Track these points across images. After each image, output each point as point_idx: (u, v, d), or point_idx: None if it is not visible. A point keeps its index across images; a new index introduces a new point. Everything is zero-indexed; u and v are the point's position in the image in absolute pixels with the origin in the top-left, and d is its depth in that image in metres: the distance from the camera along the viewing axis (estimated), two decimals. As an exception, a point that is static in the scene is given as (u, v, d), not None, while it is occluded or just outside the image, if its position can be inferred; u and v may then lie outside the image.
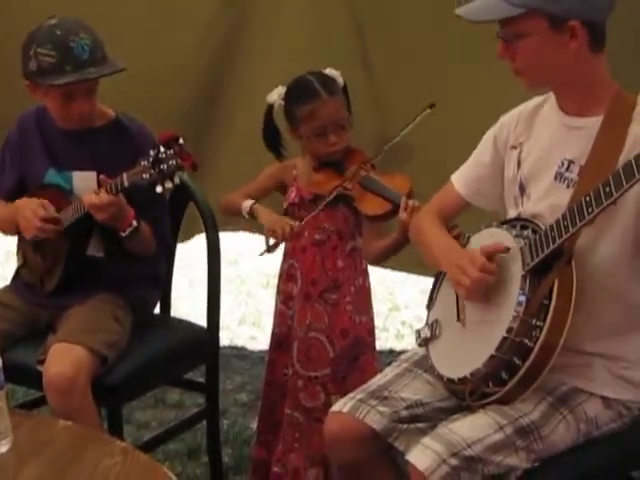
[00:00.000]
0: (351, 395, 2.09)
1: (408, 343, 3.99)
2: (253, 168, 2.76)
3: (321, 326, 2.62)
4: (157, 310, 2.88)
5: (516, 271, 1.92)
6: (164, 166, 2.29)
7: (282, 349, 2.69)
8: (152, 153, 2.30)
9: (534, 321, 1.86)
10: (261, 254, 2.55)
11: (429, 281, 2.24)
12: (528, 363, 1.86)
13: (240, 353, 4.06)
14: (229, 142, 3.40)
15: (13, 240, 2.77)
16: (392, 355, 3.65)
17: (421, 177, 2.55)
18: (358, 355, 2.64)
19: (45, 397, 2.40)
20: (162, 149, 2.29)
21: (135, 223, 2.48)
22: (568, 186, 1.97)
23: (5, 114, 2.86)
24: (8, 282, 2.78)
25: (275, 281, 2.77)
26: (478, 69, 2.90)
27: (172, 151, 2.29)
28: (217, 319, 2.77)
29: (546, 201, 2.01)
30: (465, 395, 1.95)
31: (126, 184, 2.38)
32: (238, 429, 3.25)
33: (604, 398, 1.98)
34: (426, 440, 1.89)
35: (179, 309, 3.39)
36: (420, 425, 2.03)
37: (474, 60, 2.88)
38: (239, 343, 4.20)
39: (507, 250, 1.96)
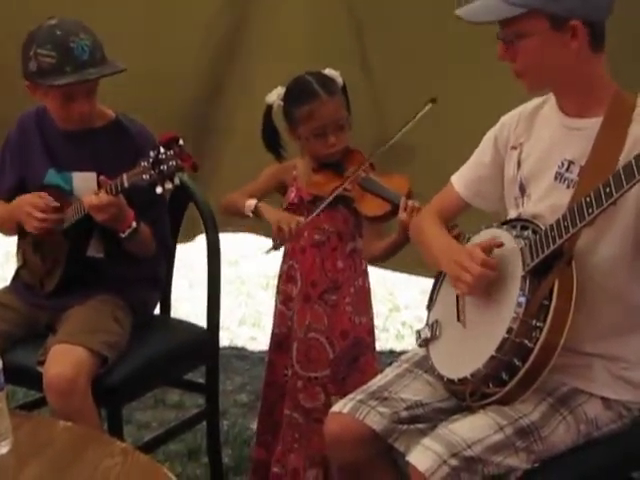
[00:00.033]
0: (351, 396, 2.09)
1: (408, 344, 3.99)
2: (253, 169, 2.76)
3: (321, 327, 2.62)
4: (157, 311, 2.88)
5: (516, 272, 1.93)
6: (164, 167, 2.29)
7: (282, 350, 2.69)
8: (152, 154, 2.30)
9: (534, 322, 1.86)
10: (267, 252, 2.54)
11: (429, 282, 2.24)
12: (528, 364, 1.86)
13: (240, 354, 4.06)
14: (229, 143, 3.40)
15: (13, 241, 2.77)
16: (392, 356, 3.65)
17: (421, 177, 2.56)
18: (358, 356, 2.64)
19: (45, 398, 2.40)
20: (162, 150, 2.29)
21: (134, 224, 2.48)
22: (568, 187, 1.97)
23: (5, 114, 2.86)
24: (8, 283, 2.78)
25: (275, 282, 2.77)
26: (478, 69, 2.90)
27: (172, 152, 2.29)
28: (217, 320, 2.77)
29: (546, 201, 2.01)
30: (465, 396, 1.95)
31: (126, 185, 2.38)
32: (238, 430, 3.25)
33: (604, 399, 1.98)
34: (426, 441, 1.89)
35: (179, 310, 3.39)
36: (420, 426, 2.03)
37: (474, 60, 2.88)
38: (239, 344, 4.20)
39: (501, 245, 1.96)
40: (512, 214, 2.11)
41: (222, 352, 2.92)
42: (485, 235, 2.08)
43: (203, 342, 2.77)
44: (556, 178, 2.00)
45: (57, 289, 2.61)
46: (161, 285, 2.81)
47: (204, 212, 2.75)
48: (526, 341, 1.86)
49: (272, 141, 2.67)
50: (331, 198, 2.51)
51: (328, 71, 2.61)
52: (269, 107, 2.64)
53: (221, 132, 3.40)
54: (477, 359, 1.92)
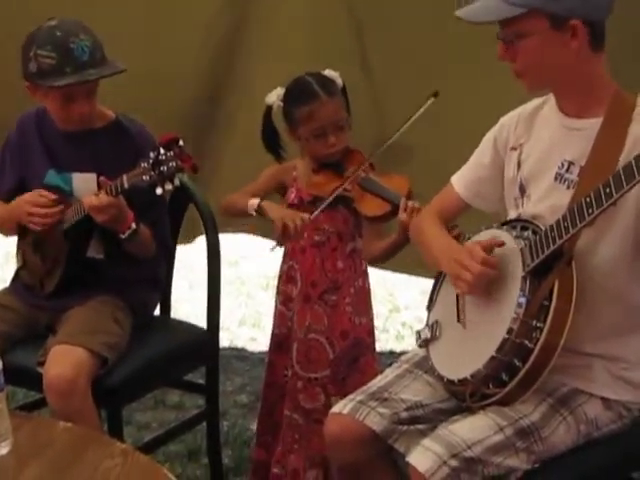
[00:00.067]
0: (351, 396, 2.08)
1: (408, 344, 3.99)
2: (253, 169, 2.76)
3: (321, 327, 2.62)
4: (157, 312, 2.88)
5: (516, 272, 1.92)
6: (164, 168, 2.28)
7: (282, 350, 2.68)
8: (152, 155, 2.29)
9: (534, 322, 1.86)
10: (272, 249, 2.54)
11: (429, 282, 2.24)
12: (528, 364, 1.86)
13: (240, 354, 4.06)
14: (229, 143, 3.40)
15: (13, 241, 2.77)
16: (392, 356, 3.66)
17: (421, 178, 2.55)
18: (358, 356, 2.64)
19: (45, 399, 2.40)
20: (162, 151, 2.29)
21: (134, 225, 2.48)
22: (568, 187, 1.97)
23: (5, 115, 2.86)
24: (7, 284, 2.78)
25: (275, 282, 2.77)
26: (478, 69, 2.89)
27: (172, 153, 2.29)
28: (217, 320, 2.77)
29: (546, 202, 2.01)
30: (465, 396, 1.95)
31: (126, 186, 2.38)
32: (238, 430, 3.25)
33: (604, 399, 1.97)
34: (426, 442, 1.89)
35: (179, 311, 3.39)
36: (420, 426, 2.02)
37: (474, 60, 2.87)
38: (239, 344, 4.20)
39: (502, 244, 1.96)
40: (512, 215, 2.10)
41: (222, 353, 2.92)
42: (485, 236, 2.08)
43: (203, 343, 2.77)
44: (556, 179, 2.00)
45: (57, 290, 2.61)
46: (161, 286, 2.81)
47: (204, 213, 2.75)
48: (526, 342, 1.86)
49: (272, 142, 2.67)
50: (331, 198, 2.51)
51: (328, 72, 2.61)
52: (269, 108, 2.63)
53: (221, 132, 3.40)
54: (477, 360, 1.92)
